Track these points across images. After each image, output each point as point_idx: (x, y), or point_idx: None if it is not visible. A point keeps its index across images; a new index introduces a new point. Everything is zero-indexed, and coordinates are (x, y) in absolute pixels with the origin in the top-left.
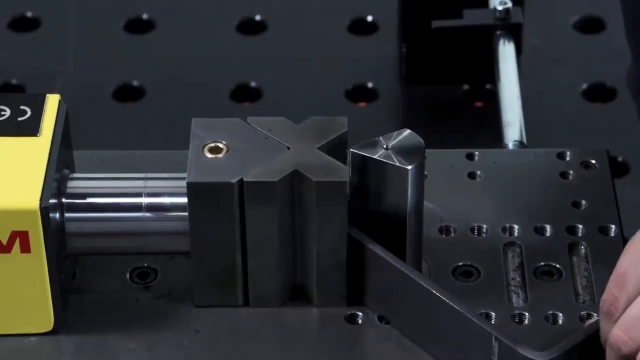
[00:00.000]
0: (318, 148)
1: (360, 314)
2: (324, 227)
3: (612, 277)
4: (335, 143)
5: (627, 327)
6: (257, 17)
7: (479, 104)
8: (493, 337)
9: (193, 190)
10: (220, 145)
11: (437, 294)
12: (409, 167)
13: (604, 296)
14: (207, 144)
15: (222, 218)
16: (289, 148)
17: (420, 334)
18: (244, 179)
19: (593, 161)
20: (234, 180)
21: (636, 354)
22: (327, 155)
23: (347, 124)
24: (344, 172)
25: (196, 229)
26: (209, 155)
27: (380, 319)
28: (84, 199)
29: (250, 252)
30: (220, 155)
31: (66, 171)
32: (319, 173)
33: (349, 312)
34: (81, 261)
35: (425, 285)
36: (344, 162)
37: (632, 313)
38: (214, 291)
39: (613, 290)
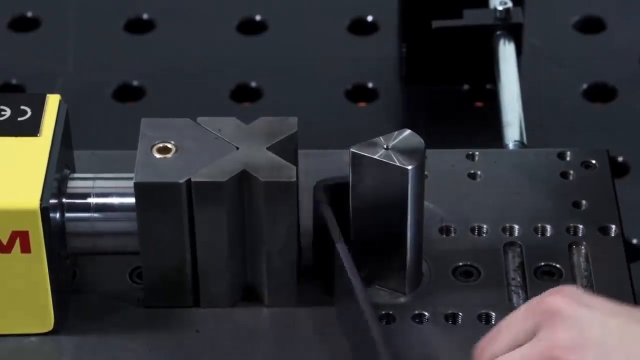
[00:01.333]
0: (267, 148)
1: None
2: (273, 227)
3: (491, 331)
4: (285, 144)
5: None
6: (257, 17)
7: (479, 104)
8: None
9: (140, 190)
10: (169, 145)
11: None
12: (409, 167)
13: (476, 345)
14: (155, 144)
15: (170, 218)
16: (238, 148)
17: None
18: (192, 179)
19: (593, 161)
20: (181, 181)
21: None
22: (276, 156)
23: (297, 125)
24: (292, 173)
25: (145, 229)
26: (157, 156)
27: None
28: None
29: (199, 252)
30: (168, 155)
31: (66, 171)
32: (267, 173)
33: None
34: (81, 261)
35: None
36: (294, 163)
37: None
38: (163, 291)
39: (483, 343)
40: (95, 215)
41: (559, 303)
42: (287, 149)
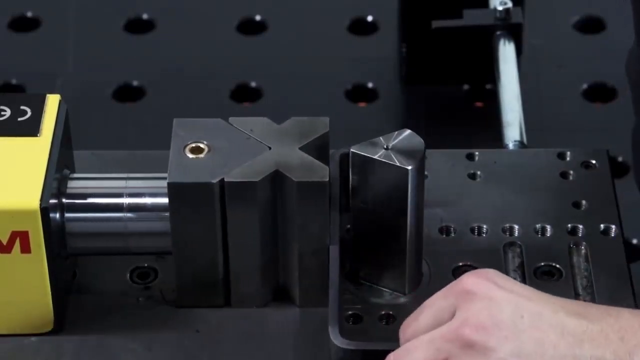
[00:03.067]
0: (299, 148)
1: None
2: (306, 227)
3: (417, 308)
4: (317, 143)
5: (397, 354)
6: (257, 17)
7: (479, 104)
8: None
9: (174, 190)
10: (202, 146)
11: None
12: (409, 167)
13: (403, 322)
14: (188, 144)
15: (203, 218)
16: (270, 148)
17: None
18: (225, 179)
19: (593, 161)
20: (214, 181)
21: None
22: (308, 156)
23: (329, 125)
24: (324, 172)
25: (177, 230)
26: (190, 156)
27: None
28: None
29: (231, 252)
30: (201, 156)
31: (66, 171)
32: (300, 173)
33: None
34: (81, 261)
35: None
36: (326, 163)
37: (408, 344)
38: (195, 292)
39: (408, 319)
40: (129, 215)
41: (475, 284)
42: (319, 148)
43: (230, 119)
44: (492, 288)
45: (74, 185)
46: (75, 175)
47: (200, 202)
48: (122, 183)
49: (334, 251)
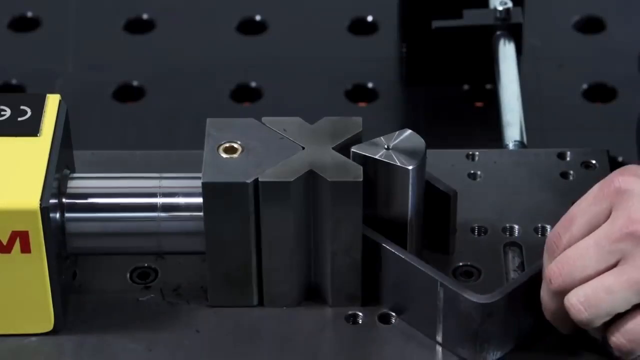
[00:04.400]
0: (333, 148)
1: (360, 314)
2: (339, 227)
3: (561, 219)
4: (350, 143)
5: (561, 264)
6: (257, 17)
7: (479, 104)
8: (438, 284)
9: (208, 190)
10: (235, 146)
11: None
12: (410, 167)
13: (550, 234)
14: (222, 144)
15: (237, 218)
16: (303, 148)
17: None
18: (259, 179)
19: (593, 161)
20: (249, 180)
21: (564, 289)
22: (341, 155)
23: (361, 124)
24: (358, 172)
25: (211, 229)
26: (224, 155)
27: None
28: (85, 199)
29: (265, 252)
30: (235, 155)
31: (66, 171)
32: (334, 173)
33: (349, 312)
34: (81, 261)
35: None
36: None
37: (569, 252)
38: (228, 291)
39: (559, 230)
40: (162, 215)
41: (627, 182)
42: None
43: (264, 118)
44: None
45: (74, 185)
46: (75, 175)
47: (235, 201)
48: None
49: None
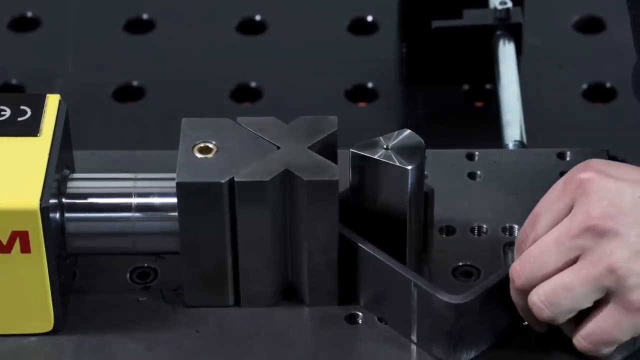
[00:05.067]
0: (308, 147)
1: (360, 314)
2: (315, 226)
3: (528, 217)
4: (325, 142)
5: (523, 262)
6: (257, 17)
7: (479, 104)
8: (412, 284)
9: (182, 190)
10: (210, 145)
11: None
12: (409, 167)
13: (519, 234)
14: (196, 144)
15: (212, 218)
16: (279, 148)
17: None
18: (235, 179)
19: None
20: (223, 180)
21: (528, 288)
22: (317, 155)
23: (337, 123)
24: (334, 171)
25: (186, 229)
26: (199, 155)
27: (380, 319)
28: (85, 199)
29: (241, 251)
30: (210, 155)
31: (66, 171)
32: (310, 172)
33: (348, 313)
34: (81, 261)
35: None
36: (334, 162)
37: (531, 250)
38: (204, 291)
39: (526, 228)
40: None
41: (587, 176)
42: (328, 147)
43: (239, 118)
44: (602, 177)
45: (74, 185)
46: (75, 175)
47: (209, 201)
48: (124, 183)
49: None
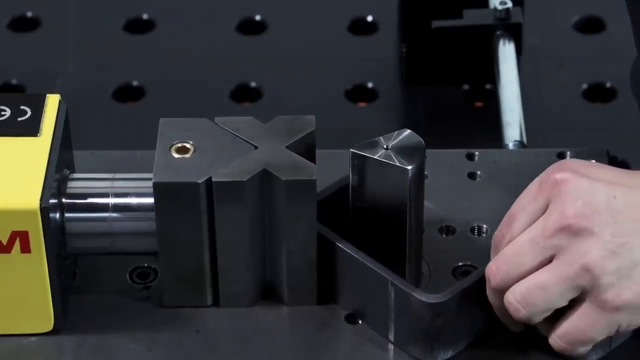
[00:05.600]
0: (286, 147)
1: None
2: (294, 225)
3: (504, 217)
4: (304, 142)
5: (499, 262)
6: (257, 17)
7: (479, 104)
8: (389, 283)
9: (159, 190)
10: (188, 146)
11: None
12: (409, 167)
13: (495, 233)
14: (174, 144)
15: (189, 218)
16: (256, 147)
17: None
18: (213, 179)
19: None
20: (200, 180)
21: (504, 287)
22: (295, 154)
23: (315, 123)
24: (312, 171)
25: (163, 229)
26: (176, 155)
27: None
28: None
29: (220, 251)
30: (187, 155)
31: (66, 171)
32: (288, 172)
33: (347, 313)
34: (81, 261)
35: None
36: (313, 161)
37: (507, 250)
38: (182, 291)
39: (502, 229)
40: (114, 215)
41: (563, 176)
42: (306, 147)
43: (216, 118)
44: (578, 177)
45: (74, 185)
46: (75, 175)
47: (186, 202)
48: (122, 184)
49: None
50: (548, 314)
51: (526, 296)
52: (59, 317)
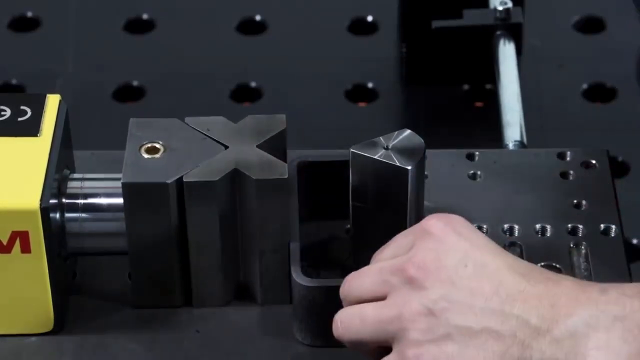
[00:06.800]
0: (257, 146)
1: None
2: (266, 225)
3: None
4: (275, 141)
5: (348, 279)
6: (257, 17)
7: (479, 104)
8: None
9: (129, 190)
10: (157, 146)
11: None
12: (409, 167)
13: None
14: (144, 144)
15: (159, 218)
16: (227, 147)
17: None
18: (184, 179)
19: (593, 161)
20: (169, 181)
21: (345, 301)
22: (266, 153)
23: (286, 122)
24: (283, 170)
25: (133, 230)
26: (146, 156)
27: None
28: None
29: (192, 252)
30: (157, 156)
31: (66, 171)
32: (259, 171)
33: None
34: (81, 261)
35: None
36: (284, 160)
37: (361, 270)
38: (152, 292)
39: (380, 249)
40: (84, 215)
41: (434, 225)
42: (277, 146)
43: (187, 118)
44: (449, 233)
45: (74, 185)
46: (76, 175)
47: (156, 202)
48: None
49: (295, 248)
50: (365, 347)
51: (346, 319)
52: (59, 317)
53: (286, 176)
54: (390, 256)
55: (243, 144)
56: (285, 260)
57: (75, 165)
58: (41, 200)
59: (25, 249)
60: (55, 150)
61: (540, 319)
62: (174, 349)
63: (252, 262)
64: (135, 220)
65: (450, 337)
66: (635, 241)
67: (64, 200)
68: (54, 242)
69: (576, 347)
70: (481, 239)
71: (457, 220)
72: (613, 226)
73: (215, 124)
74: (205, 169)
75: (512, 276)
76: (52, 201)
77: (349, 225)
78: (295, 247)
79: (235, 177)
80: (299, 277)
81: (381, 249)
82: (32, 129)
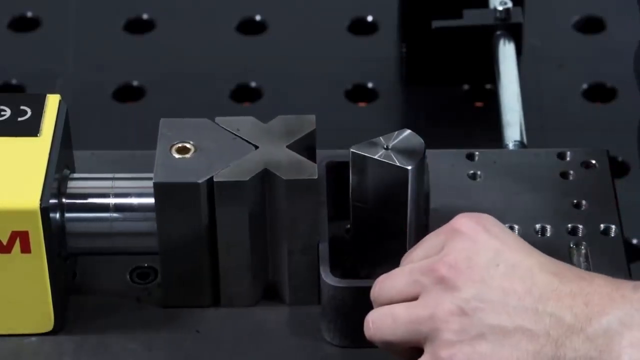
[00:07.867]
0: (287, 147)
1: None
2: (295, 225)
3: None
4: (304, 141)
5: (380, 281)
6: (257, 17)
7: (479, 104)
8: None
9: (160, 190)
10: (188, 146)
11: None
12: (409, 167)
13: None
14: (174, 144)
15: (189, 218)
16: (257, 147)
17: None
18: (214, 179)
19: (593, 161)
20: (200, 181)
21: (376, 302)
22: (296, 154)
23: (315, 122)
24: (313, 170)
25: (164, 230)
26: (177, 156)
27: None
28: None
29: (221, 252)
30: (187, 156)
31: (66, 171)
32: (289, 171)
33: None
34: (81, 261)
35: None
36: (313, 160)
37: (392, 272)
38: (182, 291)
39: (409, 251)
40: (115, 215)
41: (464, 224)
42: (306, 146)
43: (217, 118)
44: (480, 231)
45: (74, 185)
46: (76, 175)
47: (187, 202)
48: (122, 184)
49: (324, 248)
50: (387, 347)
51: (378, 320)
52: (59, 317)
53: (316, 177)
54: (421, 257)
55: (273, 144)
56: (314, 260)
57: (75, 165)
58: (41, 200)
59: (25, 249)
60: (55, 150)
61: (574, 317)
62: (174, 349)
63: (281, 262)
64: (165, 220)
65: (483, 337)
66: (635, 241)
67: (64, 200)
68: (54, 242)
69: (610, 345)
70: (512, 238)
71: (488, 219)
72: (613, 226)
73: (245, 124)
74: (235, 169)
75: (544, 275)
76: (52, 201)
77: (349, 225)
78: (324, 248)
79: (265, 177)
80: (328, 278)
81: (412, 249)
82: (32, 129)
